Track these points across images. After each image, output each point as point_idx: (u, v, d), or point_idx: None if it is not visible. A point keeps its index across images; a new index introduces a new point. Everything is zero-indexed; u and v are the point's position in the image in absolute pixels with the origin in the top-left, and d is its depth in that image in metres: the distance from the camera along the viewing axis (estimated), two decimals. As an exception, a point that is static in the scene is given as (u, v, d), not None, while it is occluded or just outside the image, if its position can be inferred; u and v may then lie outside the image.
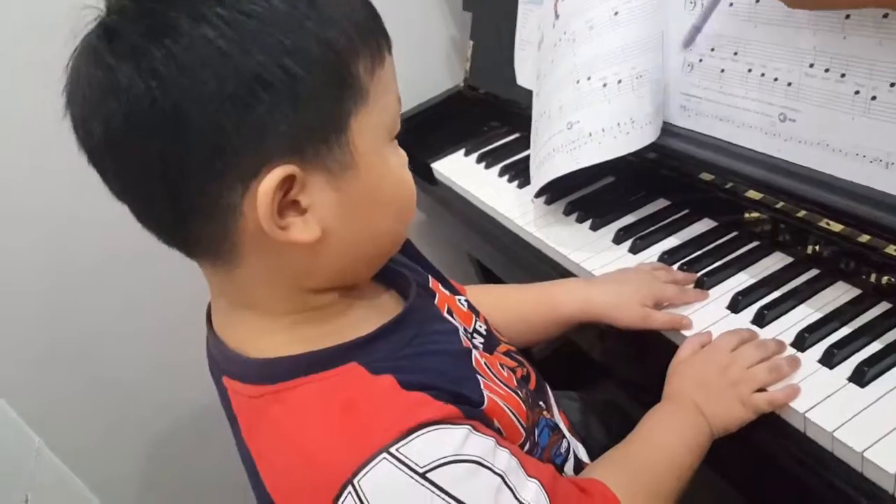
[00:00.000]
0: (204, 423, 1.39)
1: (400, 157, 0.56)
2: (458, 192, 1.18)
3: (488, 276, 1.38)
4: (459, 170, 1.22)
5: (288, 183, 0.48)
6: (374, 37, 0.51)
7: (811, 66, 0.72)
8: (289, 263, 0.52)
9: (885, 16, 0.64)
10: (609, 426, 0.89)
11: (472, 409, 0.54)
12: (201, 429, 1.39)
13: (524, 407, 0.61)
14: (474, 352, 0.61)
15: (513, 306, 0.80)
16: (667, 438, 0.66)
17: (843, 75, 0.69)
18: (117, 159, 0.48)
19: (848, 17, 0.67)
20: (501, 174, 1.15)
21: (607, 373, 1.06)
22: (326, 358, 0.52)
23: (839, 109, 0.70)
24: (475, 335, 0.67)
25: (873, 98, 0.67)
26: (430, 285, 0.68)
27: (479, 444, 0.51)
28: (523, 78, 1.18)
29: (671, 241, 0.89)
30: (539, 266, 0.96)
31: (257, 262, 0.52)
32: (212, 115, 0.45)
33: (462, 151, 1.27)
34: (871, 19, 0.65)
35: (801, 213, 0.76)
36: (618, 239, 0.91)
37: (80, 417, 1.29)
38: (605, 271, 0.87)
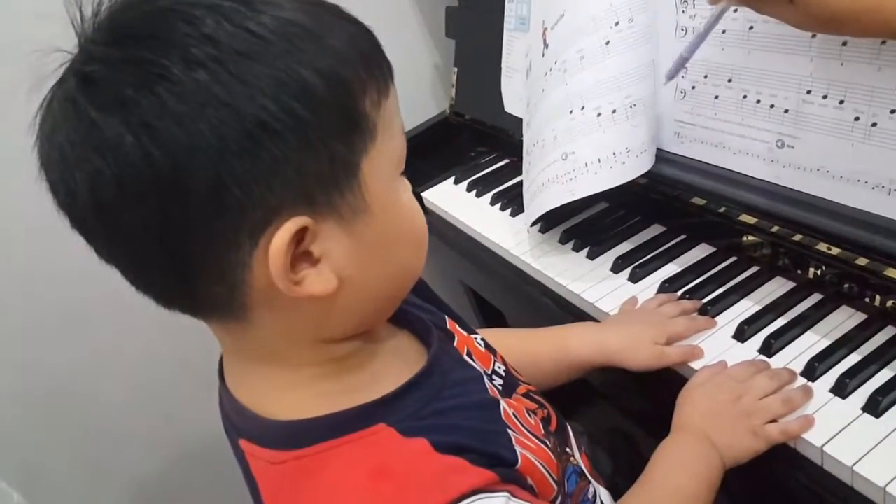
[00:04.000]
0: (194, 463, 1.35)
1: (408, 189, 0.53)
2: (450, 220, 1.16)
3: (482, 306, 1.36)
4: (450, 198, 1.20)
5: (300, 235, 0.44)
6: (380, 66, 0.48)
7: (808, 92, 0.72)
8: (305, 316, 0.48)
9: (884, 42, 0.64)
10: (617, 458, 0.87)
11: (507, 471, 0.51)
12: (192, 469, 1.36)
13: (554, 458, 0.58)
14: (502, 402, 0.58)
15: (523, 351, 0.77)
16: (680, 480, 0.64)
17: (841, 102, 0.69)
18: (108, 223, 0.43)
19: (845, 43, 0.67)
20: (493, 202, 1.14)
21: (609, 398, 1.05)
22: (351, 419, 0.49)
23: (839, 136, 0.70)
24: (494, 377, 0.64)
25: (873, 125, 0.66)
26: (448, 326, 0.65)
27: None
28: (511, 105, 1.17)
29: (670, 269, 0.88)
30: (536, 296, 0.95)
31: (271, 316, 0.48)
32: (214, 168, 0.41)
33: (452, 179, 1.25)
34: (868, 46, 0.65)
35: (798, 237, 0.75)
36: (616, 268, 0.90)
37: (63, 464, 1.24)
38: (606, 301, 0.86)
